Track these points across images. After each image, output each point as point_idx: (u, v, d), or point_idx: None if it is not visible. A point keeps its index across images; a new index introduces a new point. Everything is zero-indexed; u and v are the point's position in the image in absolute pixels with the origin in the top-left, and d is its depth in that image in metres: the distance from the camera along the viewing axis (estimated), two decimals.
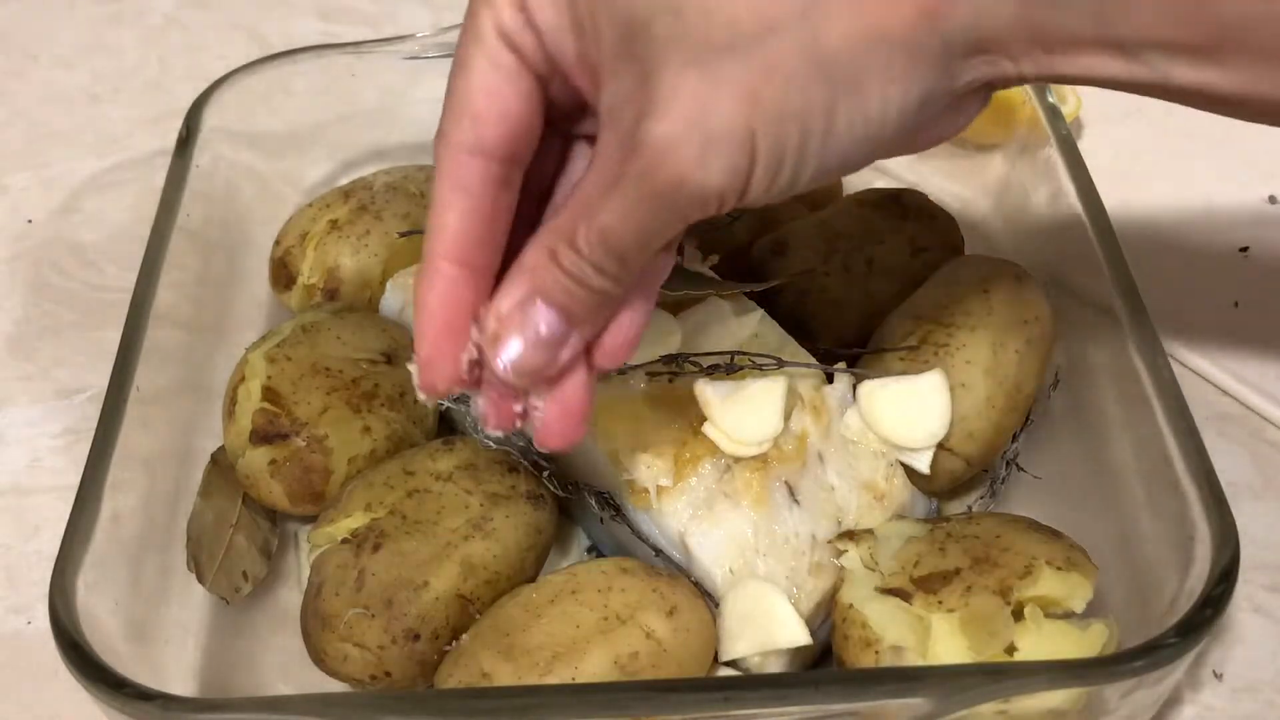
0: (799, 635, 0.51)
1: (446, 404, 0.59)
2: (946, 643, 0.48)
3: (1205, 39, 0.34)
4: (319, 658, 0.53)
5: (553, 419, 0.43)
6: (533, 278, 0.40)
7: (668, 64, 0.35)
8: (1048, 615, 0.49)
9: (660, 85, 0.35)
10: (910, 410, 0.56)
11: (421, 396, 0.44)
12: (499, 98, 0.39)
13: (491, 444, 0.57)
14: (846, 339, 0.63)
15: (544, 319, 0.40)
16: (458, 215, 0.40)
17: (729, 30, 0.35)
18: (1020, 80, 0.38)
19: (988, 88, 0.39)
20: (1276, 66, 0.35)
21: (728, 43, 0.35)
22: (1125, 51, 0.36)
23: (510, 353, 0.41)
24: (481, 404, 0.44)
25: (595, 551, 0.61)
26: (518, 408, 0.44)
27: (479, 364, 0.43)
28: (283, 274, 0.68)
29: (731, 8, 0.35)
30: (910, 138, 0.40)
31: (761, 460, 0.53)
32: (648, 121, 0.35)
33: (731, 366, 0.55)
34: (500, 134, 0.40)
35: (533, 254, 0.40)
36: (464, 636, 0.51)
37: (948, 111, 0.40)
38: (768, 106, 0.35)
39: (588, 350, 0.43)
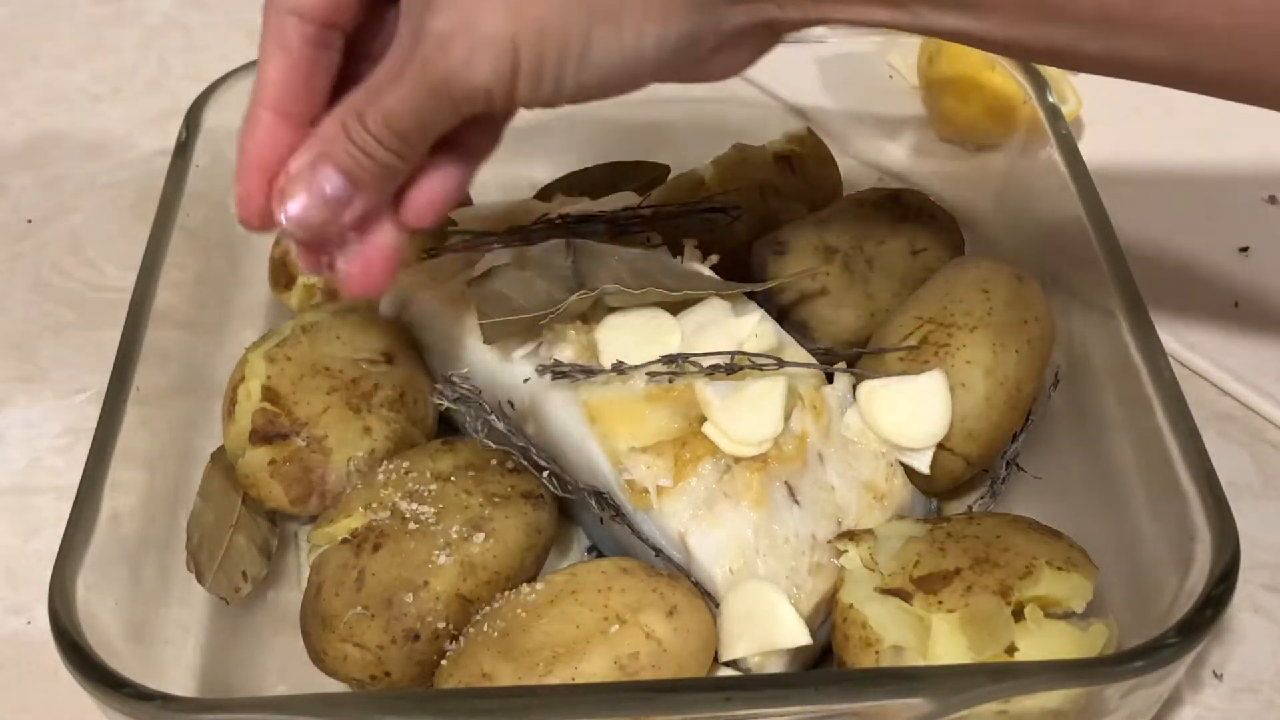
0: (799, 635, 0.51)
1: (446, 404, 0.59)
2: (946, 643, 0.48)
3: None
4: (319, 658, 0.53)
5: (355, 271, 0.49)
6: (323, 144, 0.45)
7: None
8: (1048, 615, 0.49)
9: None
10: (910, 410, 0.56)
11: (241, 221, 0.49)
12: None
13: (491, 444, 0.57)
14: (846, 339, 0.63)
15: (329, 181, 0.45)
16: (275, 68, 0.46)
17: None
18: (795, 24, 0.43)
19: (768, 29, 0.44)
20: (1026, 18, 0.39)
21: None
22: (891, 1, 0.40)
23: (294, 207, 0.46)
24: (293, 249, 0.50)
25: (595, 551, 0.61)
26: (324, 259, 0.49)
27: None
28: (283, 274, 0.68)
29: None
30: (680, 70, 0.44)
31: (761, 460, 0.53)
32: (429, 16, 0.41)
33: (731, 366, 0.55)
34: (322, 6, 0.45)
35: (328, 123, 0.45)
36: (464, 636, 0.51)
37: (725, 50, 0.44)
38: (529, 23, 0.40)
39: (398, 210, 0.48)
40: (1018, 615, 0.49)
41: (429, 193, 0.48)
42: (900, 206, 0.68)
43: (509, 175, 0.78)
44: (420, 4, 0.41)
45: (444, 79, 0.41)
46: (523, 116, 0.83)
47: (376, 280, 0.49)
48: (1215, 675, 0.58)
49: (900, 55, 0.85)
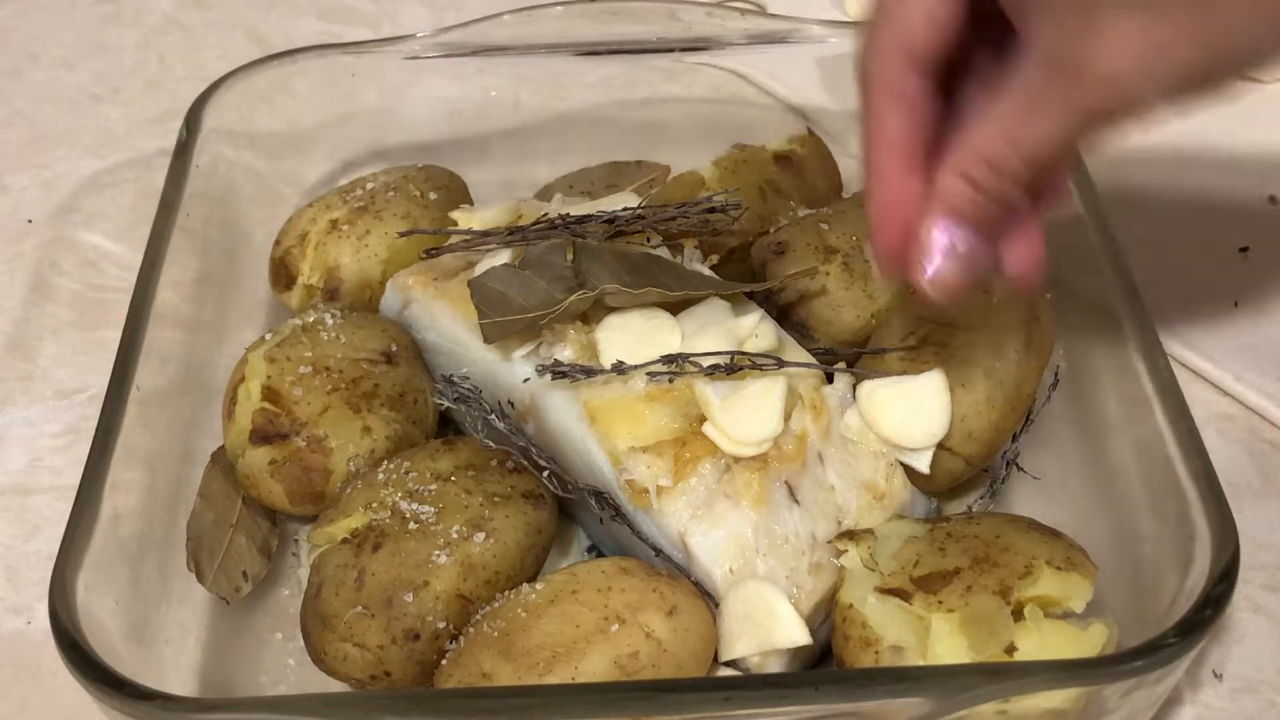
0: (799, 635, 0.51)
1: (446, 404, 0.59)
2: (946, 643, 0.48)
3: None
4: (319, 658, 0.53)
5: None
6: (949, 202, 0.44)
7: (1113, 5, 0.39)
8: (1048, 615, 0.49)
9: (1105, 24, 0.39)
10: (910, 410, 0.56)
11: (878, 279, 0.50)
12: (936, 22, 0.44)
13: (491, 444, 0.57)
14: (846, 339, 0.63)
15: (962, 241, 0.45)
16: (896, 122, 0.45)
17: None
18: None
19: None
20: None
21: None
22: None
23: (934, 272, 0.46)
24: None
25: (595, 551, 0.61)
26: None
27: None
28: (283, 274, 0.68)
29: None
30: None
31: (761, 460, 0.53)
32: (1095, 58, 0.39)
33: (731, 366, 0.55)
34: (935, 47, 0.44)
35: (948, 179, 0.44)
36: (464, 636, 0.51)
37: None
38: (1211, 49, 0.39)
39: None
40: (1018, 615, 0.49)
41: (1028, 246, 0.48)
42: None
43: (509, 175, 0.79)
44: (1067, 41, 0.40)
45: (1108, 110, 0.41)
46: (522, 117, 0.83)
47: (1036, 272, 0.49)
48: (1215, 675, 0.58)
49: None
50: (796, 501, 0.54)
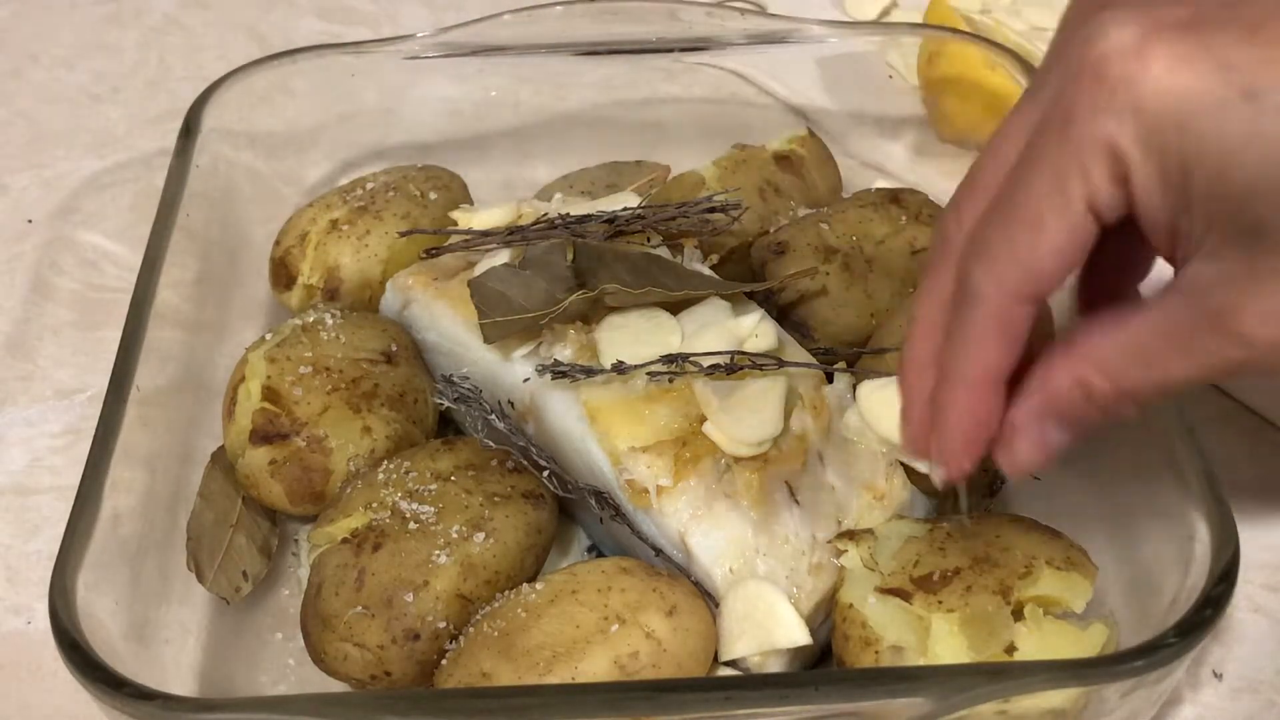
0: (799, 635, 0.51)
1: (446, 404, 0.59)
2: (946, 643, 0.48)
3: None
4: (319, 658, 0.53)
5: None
6: (1054, 398, 0.43)
7: None
8: (1047, 615, 0.49)
9: (1274, 292, 0.38)
10: None
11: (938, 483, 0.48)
12: (1068, 259, 0.41)
13: (491, 444, 0.57)
14: (846, 339, 0.63)
15: (1055, 436, 0.44)
16: (1001, 355, 0.43)
17: None
18: None
19: None
20: None
21: None
22: None
23: (1019, 456, 0.44)
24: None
25: (595, 551, 0.61)
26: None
27: None
28: (283, 274, 0.68)
29: None
30: None
31: (761, 460, 0.53)
32: (1250, 318, 0.38)
33: (731, 366, 0.55)
34: (1057, 285, 0.42)
35: (1061, 375, 0.43)
36: (464, 636, 0.51)
37: None
38: None
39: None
40: (1017, 615, 0.49)
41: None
42: (900, 206, 0.68)
43: (509, 175, 0.79)
44: (1225, 295, 0.38)
45: (1241, 370, 0.40)
46: (523, 117, 0.83)
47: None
48: (1215, 675, 0.58)
49: (900, 55, 0.85)
50: (796, 501, 0.54)
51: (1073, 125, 0.39)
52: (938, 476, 0.47)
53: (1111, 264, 0.46)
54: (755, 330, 0.57)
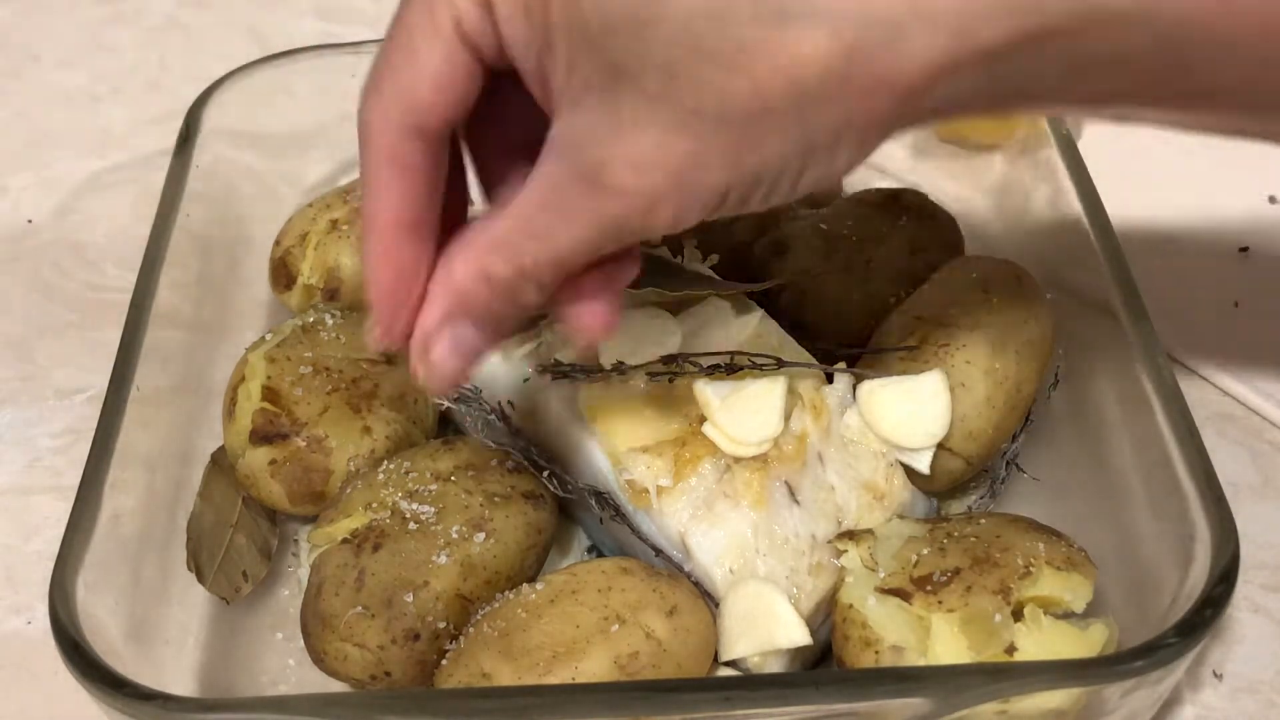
0: (799, 635, 0.51)
1: (447, 404, 0.59)
2: (946, 643, 0.48)
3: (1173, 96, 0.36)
4: (319, 658, 0.53)
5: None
6: (457, 296, 0.41)
7: (650, 119, 0.36)
8: (1048, 615, 0.49)
9: (640, 138, 0.36)
10: (910, 410, 0.56)
11: (376, 347, 0.45)
12: (447, 89, 0.40)
13: (491, 444, 0.57)
14: (846, 339, 0.63)
15: (466, 336, 0.42)
16: (399, 194, 0.41)
17: (723, 101, 0.35)
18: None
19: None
20: (1251, 115, 0.37)
21: (718, 112, 0.35)
22: (1093, 104, 0.38)
23: (437, 365, 0.43)
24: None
25: (595, 551, 0.61)
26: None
27: None
28: (283, 274, 0.68)
29: (729, 82, 0.35)
30: None
31: (761, 460, 0.53)
32: (621, 169, 0.36)
33: (731, 366, 0.55)
34: (444, 119, 0.40)
35: (460, 269, 0.41)
36: (464, 636, 0.51)
37: None
38: (746, 171, 0.37)
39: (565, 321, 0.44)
40: (1018, 615, 0.49)
41: (593, 314, 0.43)
42: (900, 206, 0.68)
43: None
44: (598, 149, 0.37)
45: (638, 226, 0.38)
46: None
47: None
48: (1215, 675, 0.58)
49: None
50: (796, 501, 0.54)
51: None
52: (372, 341, 0.44)
53: (511, 137, 0.44)
54: (755, 330, 0.57)
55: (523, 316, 0.43)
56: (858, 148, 0.37)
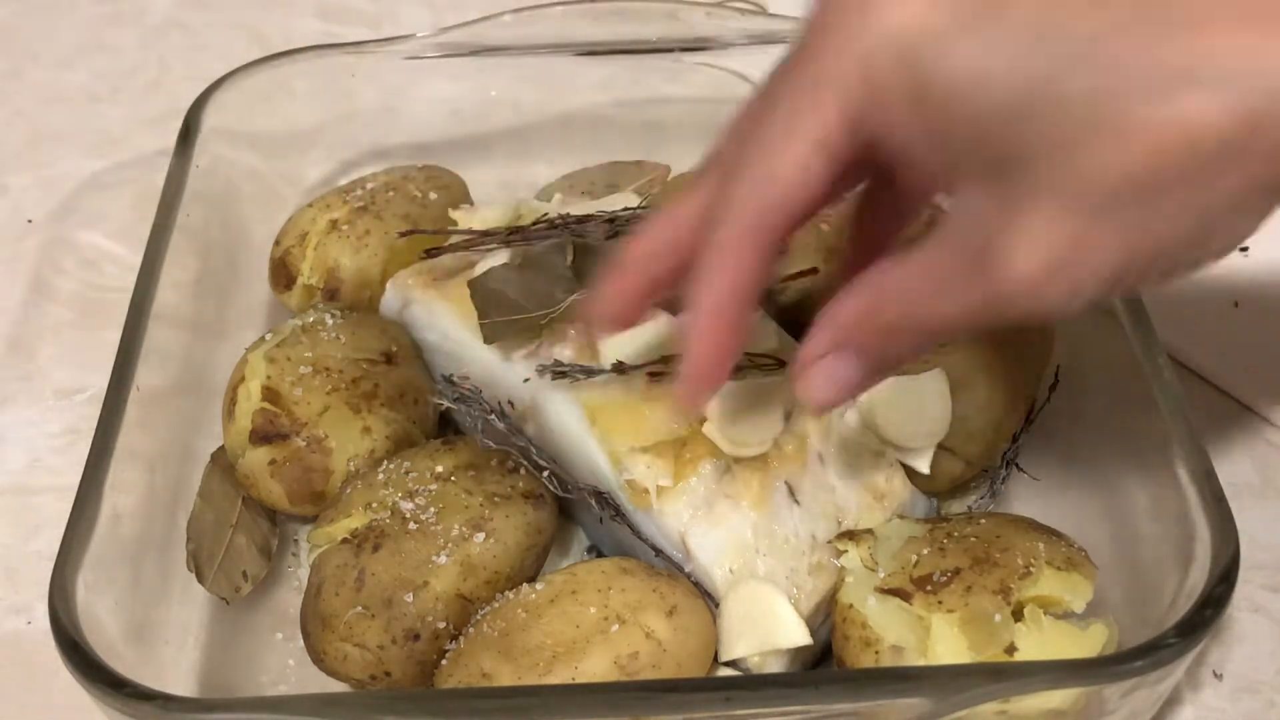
0: (799, 635, 0.51)
1: (446, 404, 0.59)
2: (946, 643, 0.48)
3: None
4: (319, 658, 0.53)
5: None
6: (847, 331, 0.43)
7: (1042, 204, 0.36)
8: (1048, 615, 0.49)
9: (1031, 222, 0.36)
10: (910, 410, 0.56)
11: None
12: (810, 190, 0.41)
13: (491, 444, 0.57)
14: None
15: (850, 369, 0.43)
16: (753, 279, 0.43)
17: (1118, 183, 0.35)
18: None
19: None
20: None
21: (1113, 194, 0.35)
22: None
23: (816, 393, 0.44)
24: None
25: (595, 551, 0.61)
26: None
27: None
28: (283, 274, 0.68)
29: (1125, 161, 0.34)
30: None
31: (761, 460, 0.53)
32: (1010, 256, 0.36)
33: None
34: (807, 215, 0.42)
35: (852, 306, 0.43)
36: (464, 636, 0.51)
37: None
38: (1141, 259, 0.36)
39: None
40: (1018, 615, 0.49)
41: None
42: None
43: (509, 175, 0.79)
44: (985, 231, 0.37)
45: (1021, 310, 0.38)
46: (523, 117, 0.83)
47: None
48: (1215, 675, 0.58)
49: None
50: (797, 502, 0.54)
51: (810, 63, 0.39)
52: (683, 396, 0.46)
53: (882, 225, 0.47)
54: (755, 330, 0.57)
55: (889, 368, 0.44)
56: (1256, 218, 0.36)
